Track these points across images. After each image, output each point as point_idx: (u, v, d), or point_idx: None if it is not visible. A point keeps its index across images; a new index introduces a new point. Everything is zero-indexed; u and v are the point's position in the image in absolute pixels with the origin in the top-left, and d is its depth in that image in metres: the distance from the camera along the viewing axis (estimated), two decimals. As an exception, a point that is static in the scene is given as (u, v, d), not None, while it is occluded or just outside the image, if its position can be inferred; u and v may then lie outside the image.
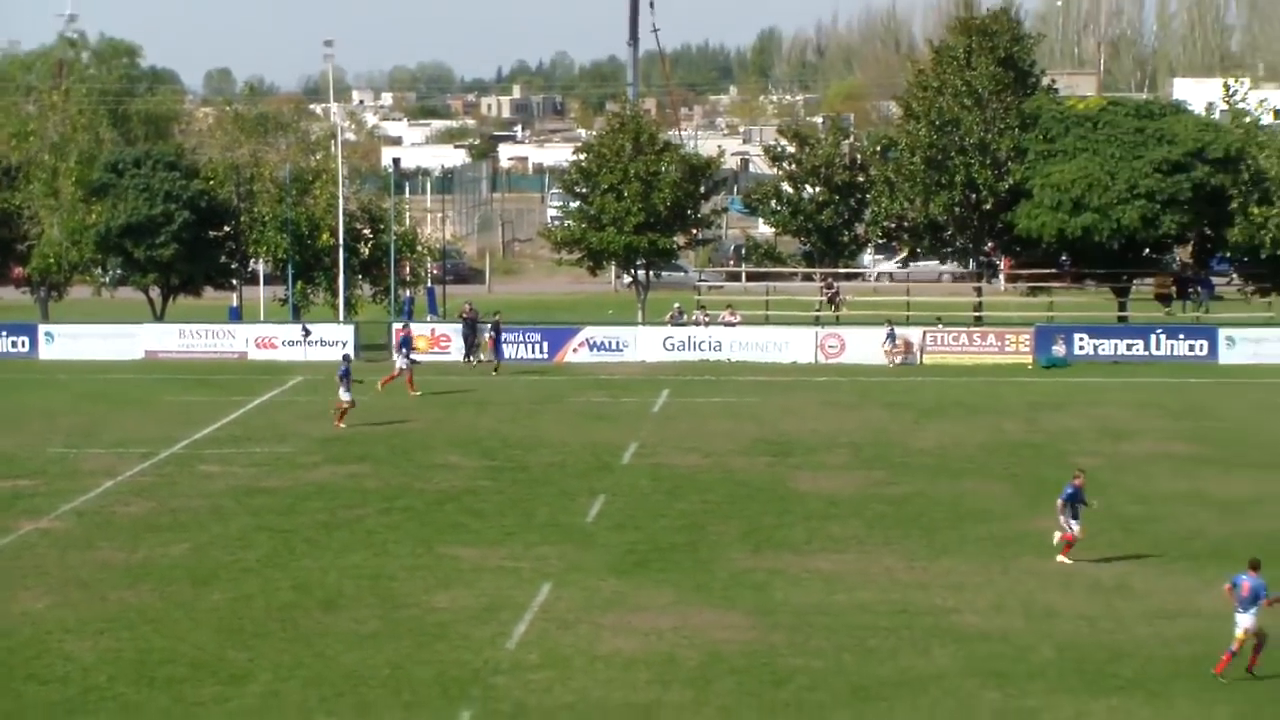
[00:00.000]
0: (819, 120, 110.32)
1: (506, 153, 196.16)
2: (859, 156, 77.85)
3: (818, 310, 76.84)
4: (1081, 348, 70.71)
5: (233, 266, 79.30)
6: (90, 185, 76.19)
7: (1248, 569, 31.52)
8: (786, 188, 78.26)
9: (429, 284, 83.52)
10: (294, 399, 63.18)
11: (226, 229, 78.17)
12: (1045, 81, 78.67)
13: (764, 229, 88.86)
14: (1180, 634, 33.82)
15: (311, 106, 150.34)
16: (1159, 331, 71.59)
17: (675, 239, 77.36)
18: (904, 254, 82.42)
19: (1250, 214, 70.97)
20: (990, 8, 79.19)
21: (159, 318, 77.09)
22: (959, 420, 57.84)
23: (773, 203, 78.66)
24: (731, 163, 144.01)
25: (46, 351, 73.13)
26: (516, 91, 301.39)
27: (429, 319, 77.82)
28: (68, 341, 73.48)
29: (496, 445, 53.55)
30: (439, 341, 71.22)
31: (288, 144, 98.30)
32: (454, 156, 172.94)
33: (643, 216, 74.77)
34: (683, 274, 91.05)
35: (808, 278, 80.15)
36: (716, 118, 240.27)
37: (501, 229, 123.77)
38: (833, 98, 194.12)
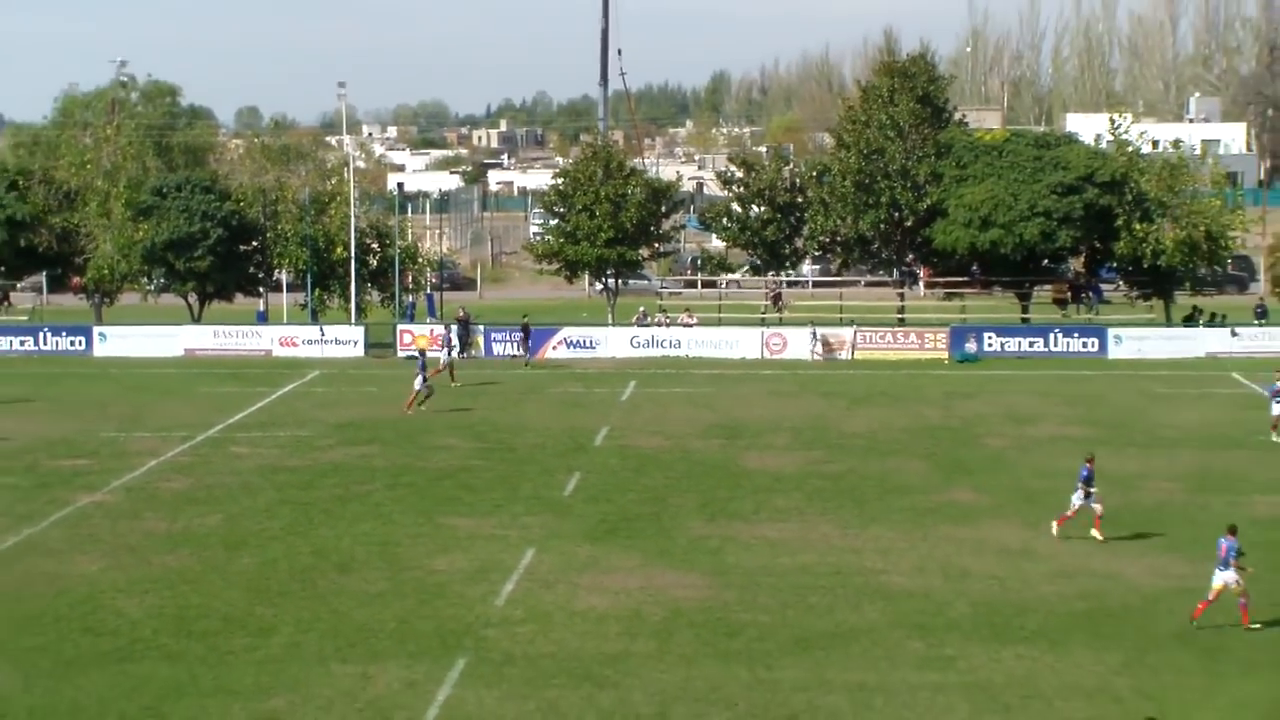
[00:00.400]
0: (763, 150, 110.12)
1: (495, 178, 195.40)
2: (798, 180, 77.69)
3: (763, 313, 76.78)
4: (990, 345, 70.68)
5: (260, 276, 78.91)
6: (138, 206, 75.78)
7: (1226, 532, 31.07)
8: (736, 207, 78.04)
9: (428, 290, 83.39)
10: (312, 390, 62.88)
11: (254, 244, 77.78)
12: (957, 116, 78.71)
13: (717, 243, 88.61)
14: (1078, 591, 33.72)
15: (328, 138, 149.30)
16: (1056, 331, 71.72)
17: (640, 252, 77.09)
18: (837, 263, 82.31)
19: (1134, 230, 71.26)
20: (910, 53, 79.13)
21: (197, 320, 76.77)
22: (885, 407, 57.75)
23: (724, 220, 78.44)
24: (688, 186, 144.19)
25: (100, 349, 72.82)
26: (503, 125, 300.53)
27: (429, 320, 77.70)
28: (118, 341, 73.22)
29: (487, 429, 53.30)
30: (437, 340, 70.91)
31: (307, 171, 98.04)
32: (450, 181, 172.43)
33: (612, 232, 74.63)
34: (647, 282, 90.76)
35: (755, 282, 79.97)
36: (675, 147, 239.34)
37: (491, 243, 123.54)
38: (775, 130, 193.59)
